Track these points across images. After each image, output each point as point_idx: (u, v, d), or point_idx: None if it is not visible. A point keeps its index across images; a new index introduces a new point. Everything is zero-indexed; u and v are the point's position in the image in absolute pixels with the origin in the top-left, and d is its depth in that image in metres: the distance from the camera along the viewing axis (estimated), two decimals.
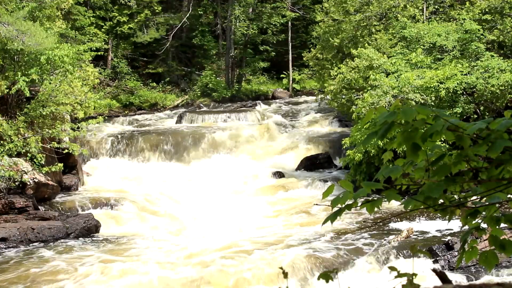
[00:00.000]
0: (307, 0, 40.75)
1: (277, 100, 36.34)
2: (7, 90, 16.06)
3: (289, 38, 40.04)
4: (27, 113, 16.59)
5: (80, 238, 14.46)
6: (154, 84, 38.39)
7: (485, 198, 2.74)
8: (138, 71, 39.15)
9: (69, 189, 18.45)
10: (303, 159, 22.29)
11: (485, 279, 10.86)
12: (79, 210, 16.44)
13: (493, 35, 20.16)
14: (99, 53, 19.06)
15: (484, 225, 2.85)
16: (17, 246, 13.74)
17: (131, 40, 38.58)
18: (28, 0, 17.38)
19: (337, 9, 24.81)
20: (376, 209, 2.76)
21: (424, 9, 23.04)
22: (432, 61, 19.16)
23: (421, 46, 19.56)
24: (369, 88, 18.22)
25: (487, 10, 20.53)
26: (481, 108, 17.83)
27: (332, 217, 2.75)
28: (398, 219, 14.73)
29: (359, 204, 2.74)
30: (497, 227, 2.79)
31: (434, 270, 3.14)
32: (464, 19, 20.00)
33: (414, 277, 2.83)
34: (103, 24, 37.50)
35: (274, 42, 39.85)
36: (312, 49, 27.33)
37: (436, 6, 23.71)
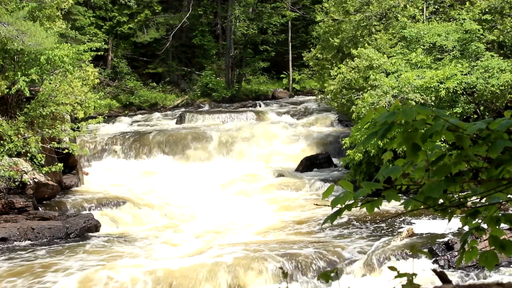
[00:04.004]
0: (307, 0, 40.72)
1: (277, 100, 36.33)
2: (7, 90, 16.05)
3: (289, 38, 40.01)
4: (27, 113, 16.59)
5: (80, 238, 14.46)
6: (154, 84, 38.38)
7: (485, 198, 2.74)
8: (138, 71, 39.13)
9: (69, 189, 18.45)
10: (303, 159, 22.28)
11: (485, 279, 10.86)
12: (79, 210, 16.44)
13: (493, 35, 20.16)
14: (99, 53, 19.04)
15: (484, 225, 2.85)
16: (17, 246, 13.74)
17: (131, 40, 38.56)
18: (28, 0, 17.37)
19: (337, 9, 24.80)
20: (376, 209, 2.76)
21: (424, 9, 23.03)
22: (432, 61, 19.16)
23: (421, 46, 19.55)
24: (369, 88, 18.22)
25: (487, 10, 20.52)
26: (481, 108, 17.83)
27: (332, 217, 2.75)
28: (398, 219, 14.73)
29: (359, 204, 2.74)
30: (497, 227, 2.79)
31: (434, 270, 3.14)
32: (464, 19, 20.00)
33: (414, 277, 2.83)
34: (103, 24, 37.48)
35: (274, 42, 39.81)
36: (312, 49, 27.31)
37: (436, 6, 23.70)
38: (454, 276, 10.92)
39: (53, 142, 16.80)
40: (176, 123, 28.77)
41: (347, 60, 20.60)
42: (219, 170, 21.90)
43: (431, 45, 19.66)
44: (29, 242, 13.98)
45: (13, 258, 12.80)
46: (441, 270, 3.13)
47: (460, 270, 11.28)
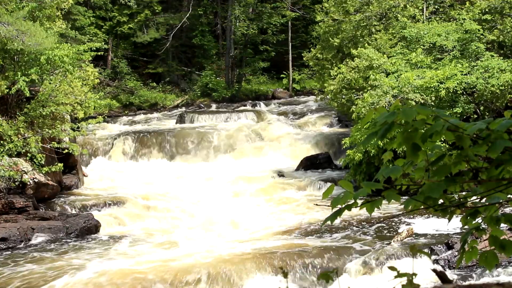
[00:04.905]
0: (307, 0, 40.72)
1: (277, 100, 36.32)
2: (7, 90, 16.06)
3: (289, 38, 40.01)
4: (27, 113, 16.59)
5: (80, 238, 14.46)
6: (154, 84, 38.38)
7: (485, 198, 2.74)
8: (138, 71, 39.12)
9: (69, 189, 18.45)
10: (303, 159, 22.28)
11: (485, 279, 10.86)
12: (79, 210, 16.44)
13: (493, 35, 20.15)
14: (99, 53, 19.04)
15: (484, 225, 2.85)
16: (17, 246, 13.74)
17: (131, 40, 38.56)
18: (28, 0, 17.37)
19: (337, 9, 24.80)
20: (376, 209, 2.76)
21: (424, 9, 23.03)
22: (432, 61, 19.16)
23: (421, 46, 19.55)
24: (369, 88, 18.22)
25: (487, 10, 20.52)
26: (481, 108, 17.83)
27: (332, 217, 2.75)
28: (398, 219, 14.73)
29: (359, 204, 2.74)
30: (497, 227, 2.80)
31: (434, 270, 3.14)
32: (464, 19, 20.00)
33: (414, 277, 2.83)
34: (103, 24, 37.48)
35: (274, 42, 39.81)
36: (312, 49, 27.31)
37: (436, 6, 23.70)
38: (454, 276, 10.93)
39: (53, 142, 16.80)
40: (176, 123, 28.77)
41: (347, 60, 20.59)
42: (219, 170, 21.89)
43: (431, 45, 19.66)
44: (29, 242, 13.97)
45: (13, 258, 12.79)
46: (441, 270, 3.14)
47: (460, 270, 11.28)
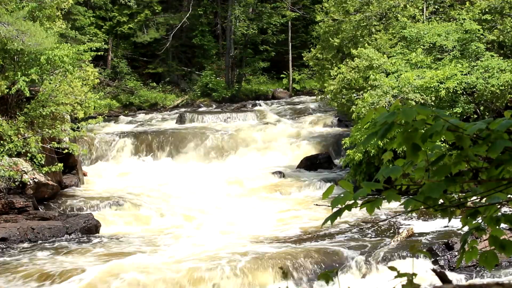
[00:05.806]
0: (307, 0, 40.71)
1: (277, 100, 36.32)
2: (7, 90, 16.05)
3: (289, 38, 40.00)
4: (27, 113, 16.59)
5: (80, 238, 14.45)
6: (154, 84, 38.37)
7: (485, 198, 2.74)
8: (138, 71, 39.11)
9: (69, 189, 18.44)
10: (303, 159, 22.29)
11: (485, 279, 10.86)
12: (79, 210, 16.43)
13: (493, 35, 20.15)
14: (99, 53, 19.03)
15: (484, 225, 2.85)
16: (17, 246, 13.74)
17: (131, 40, 38.56)
18: (28, 0, 17.37)
19: (337, 9, 24.80)
20: (376, 209, 2.76)
21: (424, 9, 23.03)
22: (432, 61, 19.16)
23: (421, 46, 19.55)
24: (369, 88, 18.22)
25: (487, 10, 20.52)
26: (481, 108, 17.83)
27: (332, 218, 2.75)
28: (398, 219, 14.73)
29: (359, 204, 2.74)
30: (497, 227, 2.79)
31: (434, 270, 3.14)
32: (464, 19, 20.00)
33: (414, 277, 2.83)
34: (103, 24, 37.47)
35: (274, 42, 39.79)
36: (312, 49, 27.30)
37: (436, 6, 23.70)
38: (454, 276, 10.92)
39: (53, 142, 16.80)
40: (176, 123, 28.77)
41: (347, 60, 20.59)
42: (219, 170, 21.89)
43: (431, 45, 19.66)
44: (29, 242, 13.97)
45: (13, 258, 12.79)
46: (441, 270, 3.14)
47: (460, 270, 11.28)
